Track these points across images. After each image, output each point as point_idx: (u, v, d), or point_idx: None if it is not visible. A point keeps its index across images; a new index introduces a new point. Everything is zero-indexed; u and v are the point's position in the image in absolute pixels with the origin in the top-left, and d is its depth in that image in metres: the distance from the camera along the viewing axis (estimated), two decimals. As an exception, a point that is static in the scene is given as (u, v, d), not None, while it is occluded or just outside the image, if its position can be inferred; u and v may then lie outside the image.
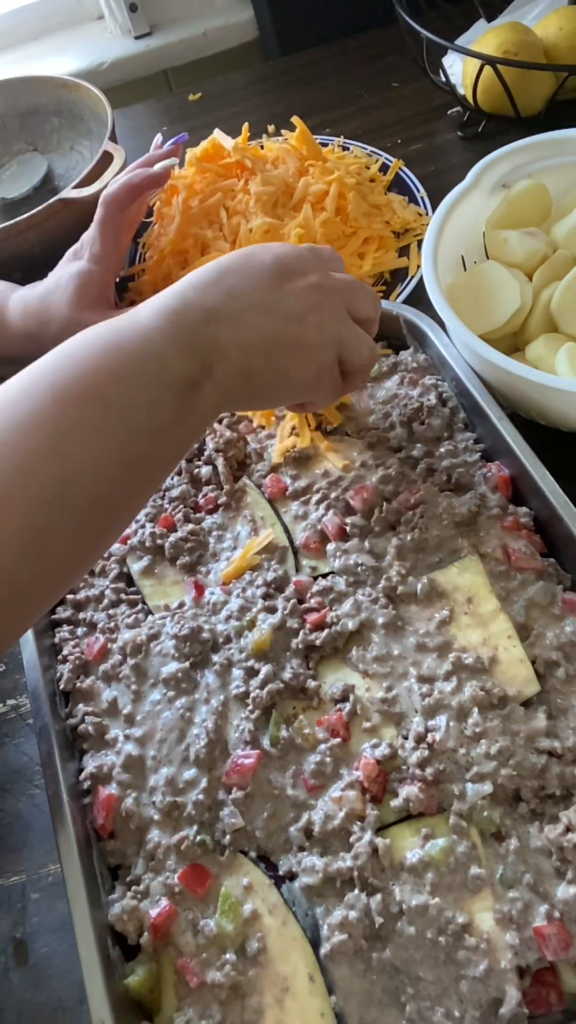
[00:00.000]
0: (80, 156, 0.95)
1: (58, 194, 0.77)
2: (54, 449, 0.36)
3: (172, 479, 0.59)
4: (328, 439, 0.58)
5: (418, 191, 0.81)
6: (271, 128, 0.90)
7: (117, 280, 0.77)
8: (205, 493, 0.58)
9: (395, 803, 0.43)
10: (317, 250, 0.49)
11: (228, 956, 0.40)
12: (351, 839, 0.42)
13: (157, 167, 0.70)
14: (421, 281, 0.70)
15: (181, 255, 0.76)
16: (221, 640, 0.51)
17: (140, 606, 0.53)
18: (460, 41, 0.92)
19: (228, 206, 0.75)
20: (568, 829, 0.41)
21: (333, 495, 0.55)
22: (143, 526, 0.56)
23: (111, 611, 0.53)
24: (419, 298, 0.69)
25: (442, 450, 0.56)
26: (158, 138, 0.76)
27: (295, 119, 0.78)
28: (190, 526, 0.56)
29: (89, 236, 0.70)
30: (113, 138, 0.83)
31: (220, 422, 0.61)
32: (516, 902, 0.39)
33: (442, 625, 0.48)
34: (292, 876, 0.42)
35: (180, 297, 0.43)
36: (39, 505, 0.35)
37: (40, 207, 0.77)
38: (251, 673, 0.48)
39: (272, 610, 0.50)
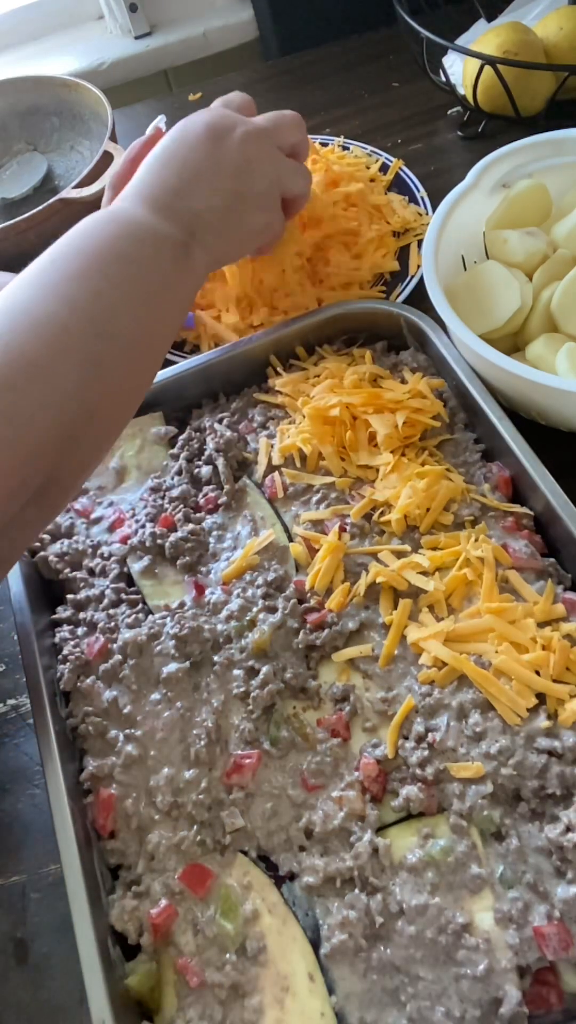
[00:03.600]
0: (80, 156, 0.95)
1: (58, 194, 0.77)
2: (95, 293, 0.43)
3: (172, 479, 0.59)
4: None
5: (418, 191, 0.81)
6: (271, 128, 0.90)
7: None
8: (205, 493, 0.58)
9: (395, 803, 0.43)
10: (230, 101, 0.58)
11: (228, 956, 0.40)
12: (351, 839, 0.42)
13: (148, 130, 0.70)
14: (421, 281, 0.70)
15: None
16: (221, 640, 0.51)
17: (140, 606, 0.53)
18: (460, 41, 0.92)
19: None
20: (568, 829, 0.41)
21: (333, 495, 0.55)
22: (143, 526, 0.56)
23: (111, 611, 0.53)
24: (419, 298, 0.69)
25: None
26: (161, 119, 0.75)
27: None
28: (190, 526, 0.56)
29: None
30: (113, 138, 0.83)
31: (220, 422, 0.61)
32: (516, 902, 0.40)
33: (442, 625, 0.48)
34: (292, 876, 0.42)
35: (144, 184, 0.51)
36: (93, 337, 0.42)
37: (40, 207, 0.77)
38: (251, 673, 0.48)
39: (272, 610, 0.50)
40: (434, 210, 0.63)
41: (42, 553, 0.56)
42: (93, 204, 0.71)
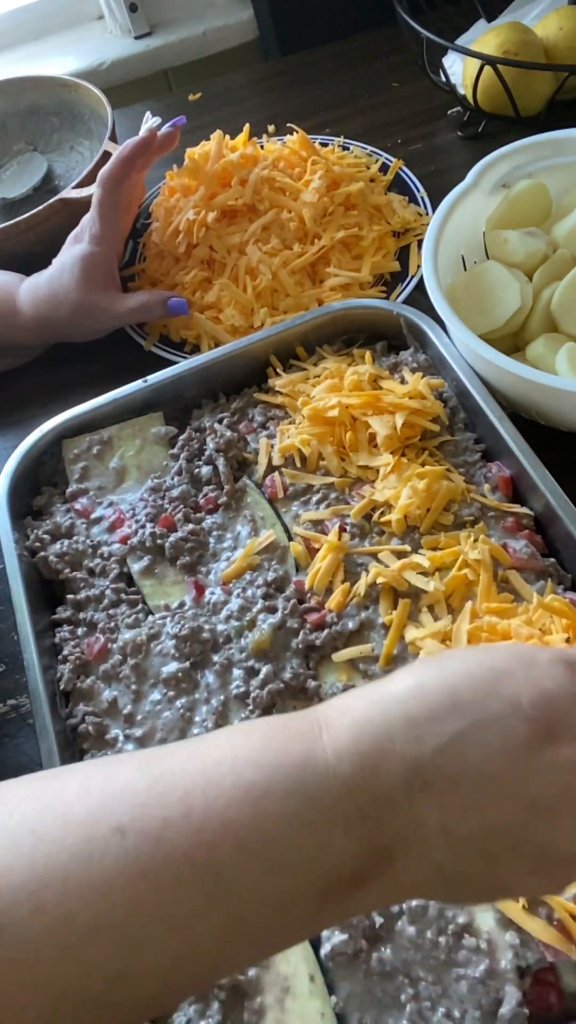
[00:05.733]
0: (80, 156, 0.95)
1: (58, 194, 0.78)
2: (118, 933, 0.25)
3: (172, 479, 0.59)
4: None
5: (418, 191, 0.81)
6: (271, 128, 0.90)
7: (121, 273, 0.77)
8: (205, 493, 0.58)
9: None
10: None
11: (228, 956, 0.40)
12: (351, 839, 0.42)
13: (142, 131, 0.70)
14: (421, 281, 0.70)
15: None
16: (221, 640, 0.50)
17: (140, 606, 0.53)
18: (460, 41, 0.92)
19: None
20: (568, 829, 0.41)
21: (333, 495, 0.55)
22: (143, 526, 0.56)
23: (111, 611, 0.53)
24: (419, 298, 0.69)
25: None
26: (151, 118, 0.75)
27: (294, 127, 0.77)
28: (190, 526, 0.56)
29: (88, 218, 0.71)
30: (113, 138, 0.83)
31: (220, 422, 0.61)
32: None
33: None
34: (292, 876, 0.42)
35: (383, 734, 0.28)
36: (64, 1003, 0.25)
37: (40, 207, 0.77)
38: (251, 673, 0.48)
39: (272, 610, 0.50)
40: (434, 210, 0.63)
41: (42, 553, 0.56)
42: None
